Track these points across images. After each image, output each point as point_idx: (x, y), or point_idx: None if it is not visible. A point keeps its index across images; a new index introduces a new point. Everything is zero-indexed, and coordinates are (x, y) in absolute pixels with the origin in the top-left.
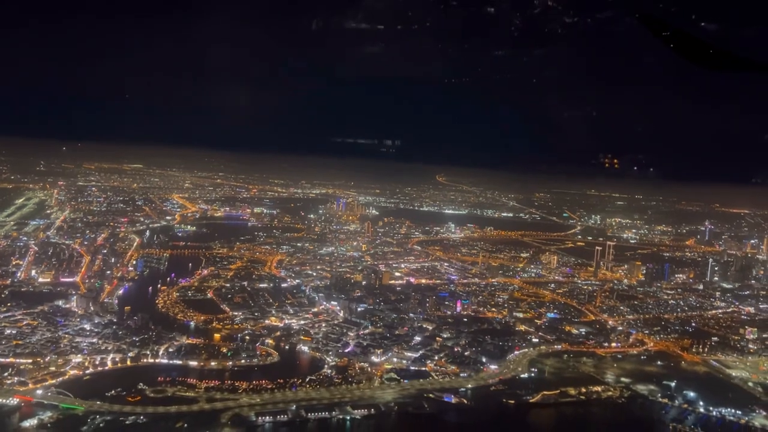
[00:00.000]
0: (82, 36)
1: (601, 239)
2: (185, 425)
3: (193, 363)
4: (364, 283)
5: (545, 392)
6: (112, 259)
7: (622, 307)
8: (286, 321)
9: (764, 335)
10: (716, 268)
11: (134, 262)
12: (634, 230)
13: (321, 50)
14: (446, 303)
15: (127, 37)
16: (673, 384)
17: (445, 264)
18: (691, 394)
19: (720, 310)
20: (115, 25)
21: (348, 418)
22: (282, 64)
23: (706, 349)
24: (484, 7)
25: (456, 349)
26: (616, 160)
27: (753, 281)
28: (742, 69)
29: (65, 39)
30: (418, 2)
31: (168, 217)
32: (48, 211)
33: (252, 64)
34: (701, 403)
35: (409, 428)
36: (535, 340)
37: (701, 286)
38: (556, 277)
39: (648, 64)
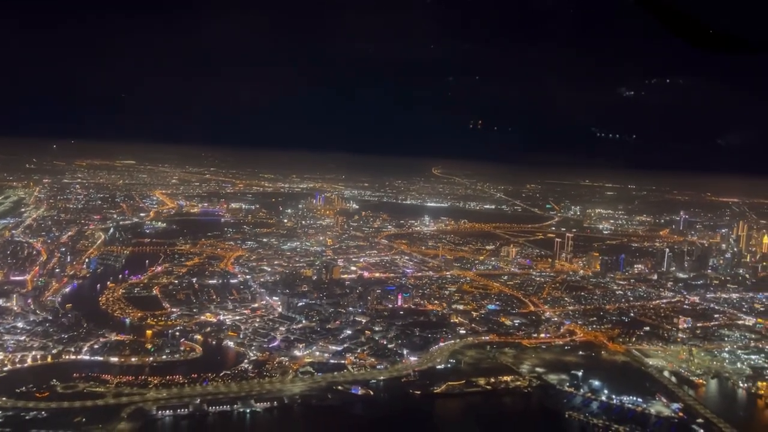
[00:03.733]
0: (80, 36)
1: (575, 230)
2: (83, 419)
3: (114, 359)
4: (314, 278)
5: (450, 382)
6: (68, 258)
7: (566, 298)
8: (221, 317)
9: (698, 324)
10: (674, 258)
11: (86, 260)
12: (612, 221)
13: (320, 46)
14: (389, 297)
15: (125, 35)
16: (580, 373)
17: (406, 257)
18: (596, 383)
19: (665, 300)
20: (112, 23)
21: (248, 411)
22: (280, 59)
23: (633, 339)
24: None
25: (382, 342)
26: (480, 121)
27: (709, 270)
28: (743, 51)
29: (62, 39)
30: None
31: (142, 214)
32: (22, 210)
33: (249, 60)
34: (605, 391)
35: (309, 419)
36: (462, 331)
37: (655, 276)
38: (513, 269)
39: (650, 50)
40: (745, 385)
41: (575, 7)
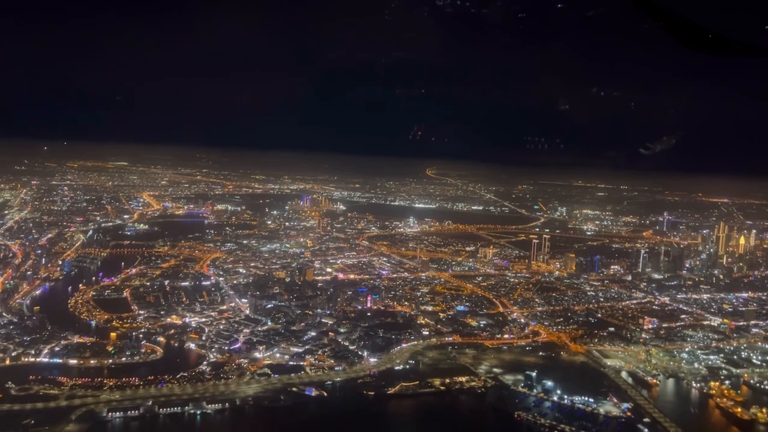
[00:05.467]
0: (76, 36)
1: (558, 231)
2: (32, 422)
3: (73, 361)
4: (287, 279)
5: (404, 383)
6: (43, 260)
7: (537, 299)
8: (187, 319)
9: (664, 325)
10: (649, 259)
11: (60, 263)
12: (598, 221)
13: (320, 47)
14: (360, 299)
15: (120, 35)
16: (534, 374)
17: (384, 259)
18: (549, 383)
19: (635, 301)
20: (107, 24)
21: (199, 412)
22: (278, 60)
23: (595, 340)
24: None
25: (344, 344)
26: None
27: (685, 271)
28: (742, 54)
29: (59, 39)
30: None
31: (126, 216)
32: (5, 212)
33: (247, 61)
34: (558, 392)
35: (258, 420)
36: (426, 332)
37: (630, 277)
38: (488, 270)
39: (646, 51)
40: (698, 385)
41: (572, 8)
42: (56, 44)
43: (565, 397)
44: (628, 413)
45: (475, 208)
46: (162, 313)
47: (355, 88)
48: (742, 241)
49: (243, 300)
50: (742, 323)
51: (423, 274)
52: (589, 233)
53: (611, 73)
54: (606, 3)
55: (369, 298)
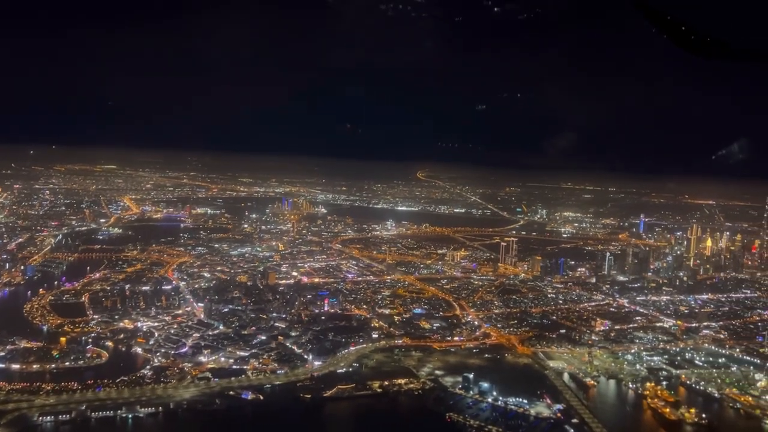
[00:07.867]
0: (69, 43)
1: (535, 234)
2: None
3: (16, 366)
4: (249, 283)
5: (340, 386)
6: (8, 265)
7: (495, 302)
8: (139, 323)
9: (616, 327)
10: (615, 261)
11: (22, 267)
12: (576, 224)
13: (321, 52)
14: (318, 302)
15: (121, 42)
16: (471, 375)
17: (353, 262)
18: (485, 384)
19: (593, 303)
20: (105, 30)
21: (131, 416)
22: (276, 64)
23: (543, 342)
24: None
25: (291, 347)
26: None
27: (650, 273)
28: (739, 58)
29: (52, 45)
30: None
31: (102, 220)
32: None
33: (244, 64)
34: (493, 393)
35: (190, 423)
36: (376, 335)
37: (594, 279)
38: (455, 273)
39: (640, 54)
40: (634, 386)
41: (573, 10)
42: (48, 49)
43: (500, 398)
44: (558, 414)
45: (457, 210)
46: (116, 317)
47: (352, 92)
48: (709, 243)
49: (200, 304)
50: (693, 324)
51: (388, 277)
52: (565, 235)
53: (606, 76)
54: (603, 5)
55: (326, 302)
